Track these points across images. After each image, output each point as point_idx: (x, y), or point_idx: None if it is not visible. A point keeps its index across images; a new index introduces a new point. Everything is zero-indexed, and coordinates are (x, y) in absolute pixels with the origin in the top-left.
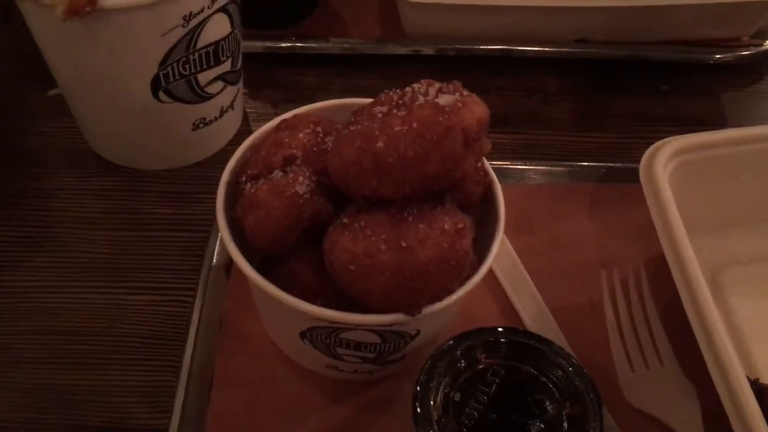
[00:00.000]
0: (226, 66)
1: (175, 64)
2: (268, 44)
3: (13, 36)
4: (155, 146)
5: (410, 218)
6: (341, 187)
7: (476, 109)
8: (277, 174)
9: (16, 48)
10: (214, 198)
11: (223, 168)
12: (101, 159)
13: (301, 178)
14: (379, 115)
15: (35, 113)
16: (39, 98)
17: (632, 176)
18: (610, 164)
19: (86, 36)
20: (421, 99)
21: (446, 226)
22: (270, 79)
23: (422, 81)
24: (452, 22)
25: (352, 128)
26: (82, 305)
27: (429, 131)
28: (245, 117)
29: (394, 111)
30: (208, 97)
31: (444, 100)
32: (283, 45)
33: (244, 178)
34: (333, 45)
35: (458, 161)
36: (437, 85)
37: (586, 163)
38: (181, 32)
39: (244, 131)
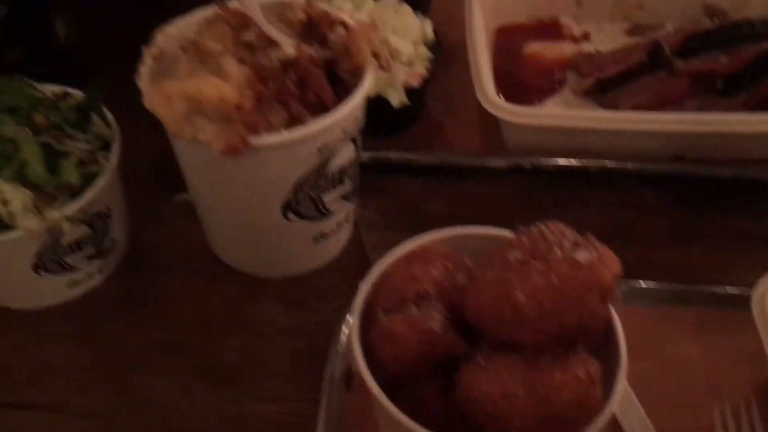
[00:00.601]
0: (347, 186)
1: (306, 188)
2: (375, 154)
3: (145, 140)
4: (277, 257)
5: (545, 363)
6: (477, 328)
7: (612, 266)
8: (412, 309)
9: (149, 152)
10: (329, 307)
11: (336, 276)
12: (224, 264)
13: (434, 314)
14: (515, 262)
15: (163, 217)
16: (166, 202)
17: (737, 301)
18: (713, 289)
19: (231, 167)
20: (558, 253)
21: (580, 373)
22: (377, 187)
23: (551, 225)
24: (552, 140)
25: (489, 274)
26: (209, 410)
27: (568, 287)
28: (355, 225)
29: (532, 262)
30: (329, 214)
31: (581, 256)
32: (390, 156)
33: (379, 310)
34: (437, 157)
35: (594, 315)
36: (570, 235)
37: (688, 286)
38: (315, 161)
39: (354, 239)
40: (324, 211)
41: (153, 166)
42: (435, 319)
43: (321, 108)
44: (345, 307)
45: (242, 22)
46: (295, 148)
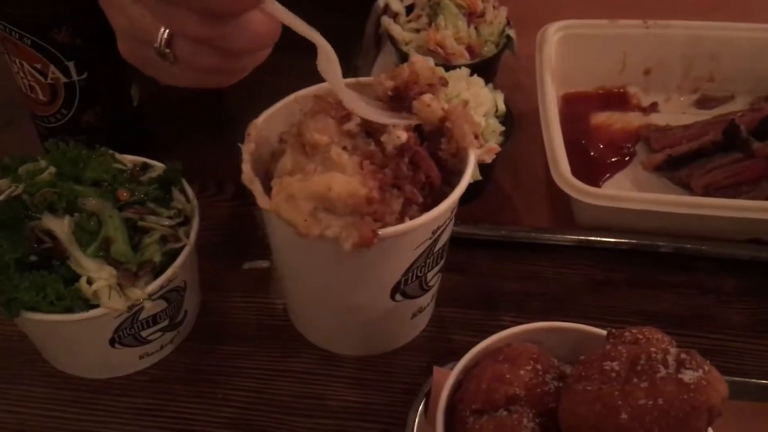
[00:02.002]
0: (444, 259)
1: (416, 269)
2: None
3: (211, 205)
4: (376, 337)
5: None
6: None
7: (720, 388)
8: (502, 413)
9: (214, 217)
10: (400, 388)
11: (405, 354)
12: (293, 338)
13: (525, 420)
14: (613, 374)
15: (231, 286)
16: (234, 271)
17: None
18: None
19: (351, 257)
20: (663, 371)
21: None
22: (446, 262)
23: (647, 333)
24: (626, 219)
25: (587, 386)
26: None
27: (675, 409)
28: None
29: (634, 379)
30: (429, 289)
31: (688, 376)
32: (459, 230)
33: (465, 410)
34: (506, 232)
35: None
36: (673, 351)
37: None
38: (428, 243)
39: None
40: (426, 287)
41: (218, 231)
42: (526, 427)
43: (429, 186)
44: (416, 389)
45: (344, 114)
46: (416, 233)
